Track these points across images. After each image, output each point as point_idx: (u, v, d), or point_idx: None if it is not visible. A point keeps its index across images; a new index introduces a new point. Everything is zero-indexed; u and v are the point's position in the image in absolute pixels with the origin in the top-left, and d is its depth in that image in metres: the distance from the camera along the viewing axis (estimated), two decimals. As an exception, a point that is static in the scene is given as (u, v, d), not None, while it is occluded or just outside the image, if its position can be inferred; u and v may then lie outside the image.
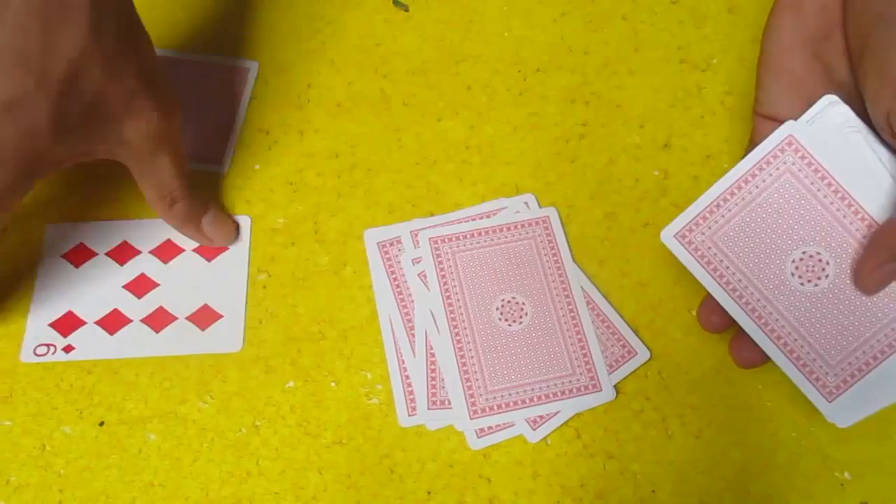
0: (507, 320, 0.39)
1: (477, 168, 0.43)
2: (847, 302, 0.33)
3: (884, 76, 0.30)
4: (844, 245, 0.33)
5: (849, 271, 0.33)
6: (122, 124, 0.33)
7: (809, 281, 0.33)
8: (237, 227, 0.41)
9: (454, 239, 0.40)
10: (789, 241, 0.33)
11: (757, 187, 0.33)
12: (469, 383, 0.37)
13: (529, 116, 0.44)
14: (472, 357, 0.38)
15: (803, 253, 0.33)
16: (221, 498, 0.36)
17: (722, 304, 0.34)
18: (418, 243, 0.40)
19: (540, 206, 0.41)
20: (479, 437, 0.37)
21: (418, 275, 0.40)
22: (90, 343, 0.39)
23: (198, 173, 0.43)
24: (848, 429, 0.36)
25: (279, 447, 0.37)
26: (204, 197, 0.40)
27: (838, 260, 0.33)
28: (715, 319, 0.36)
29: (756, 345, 0.34)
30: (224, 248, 0.41)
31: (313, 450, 0.37)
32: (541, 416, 0.37)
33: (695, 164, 0.42)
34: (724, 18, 0.46)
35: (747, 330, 0.34)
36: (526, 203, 0.41)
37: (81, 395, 0.38)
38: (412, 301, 0.39)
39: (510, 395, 0.37)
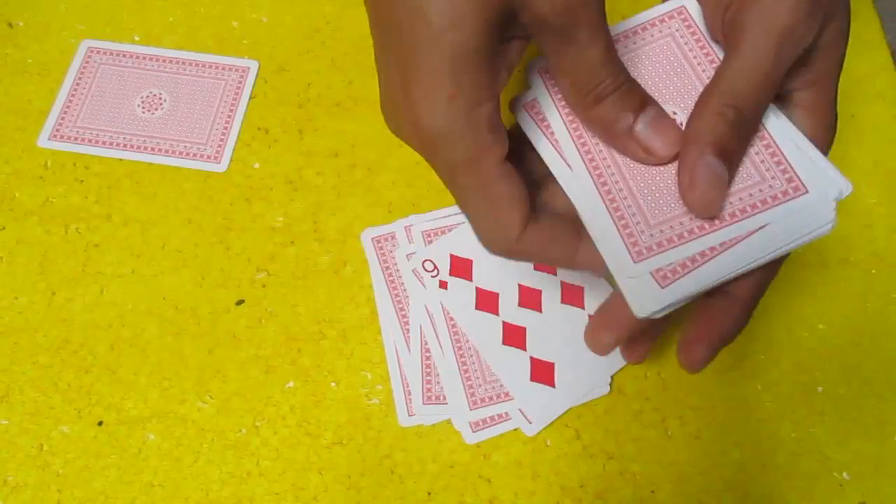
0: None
1: (477, 168, 0.42)
2: None
3: None
4: None
5: None
6: None
7: None
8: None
9: (447, 231, 0.40)
10: None
11: (635, 44, 0.30)
12: (468, 374, 0.37)
13: (529, 117, 0.44)
14: (470, 349, 0.38)
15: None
16: (222, 498, 0.36)
17: (553, 153, 0.29)
18: (412, 238, 0.40)
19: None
20: (474, 432, 0.36)
21: (413, 270, 0.39)
22: None
23: (197, 172, 0.42)
24: (847, 429, 0.37)
25: (279, 447, 0.37)
26: (639, 93, 0.29)
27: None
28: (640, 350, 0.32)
29: (707, 344, 0.29)
30: None
31: (313, 450, 0.37)
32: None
33: (694, 165, 0.42)
34: (723, 20, 0.46)
35: (565, 183, 0.28)
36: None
37: (79, 395, 0.38)
38: (407, 297, 0.39)
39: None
